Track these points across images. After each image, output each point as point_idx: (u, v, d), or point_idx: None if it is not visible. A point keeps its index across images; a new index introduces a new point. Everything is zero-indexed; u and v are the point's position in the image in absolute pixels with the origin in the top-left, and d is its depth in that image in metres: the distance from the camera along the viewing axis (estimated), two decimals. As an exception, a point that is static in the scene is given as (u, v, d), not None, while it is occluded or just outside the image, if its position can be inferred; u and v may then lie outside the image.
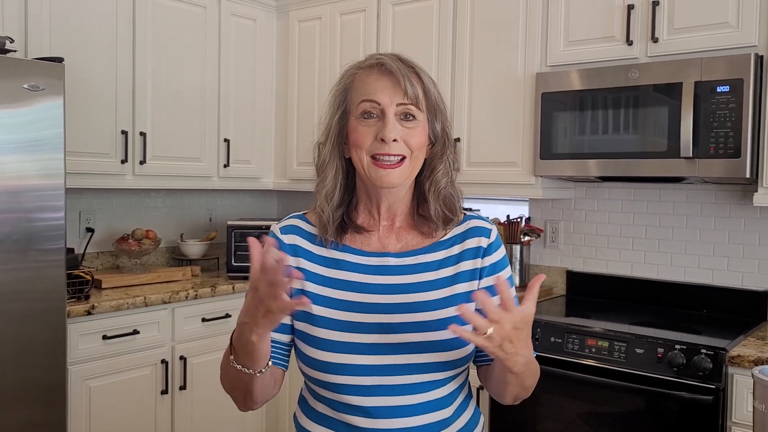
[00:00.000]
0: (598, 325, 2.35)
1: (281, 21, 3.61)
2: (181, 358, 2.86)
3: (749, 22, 2.24)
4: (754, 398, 1.12)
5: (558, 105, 2.58)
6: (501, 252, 1.24)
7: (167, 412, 2.83)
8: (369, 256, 1.20)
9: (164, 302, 2.80)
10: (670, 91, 2.31)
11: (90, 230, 3.21)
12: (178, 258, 3.51)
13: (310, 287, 1.18)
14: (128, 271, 3.11)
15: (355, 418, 1.15)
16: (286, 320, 1.20)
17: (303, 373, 1.21)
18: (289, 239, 1.21)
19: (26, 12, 2.60)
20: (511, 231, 3.01)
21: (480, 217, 1.26)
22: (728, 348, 2.07)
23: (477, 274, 1.20)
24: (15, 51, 2.39)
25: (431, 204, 1.21)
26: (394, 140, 1.13)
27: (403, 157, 1.15)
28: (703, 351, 2.06)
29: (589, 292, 2.93)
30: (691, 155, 2.26)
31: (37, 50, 2.59)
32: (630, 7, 2.46)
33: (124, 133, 2.94)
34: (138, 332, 2.71)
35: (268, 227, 3.22)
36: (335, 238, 1.20)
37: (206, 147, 3.31)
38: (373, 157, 1.15)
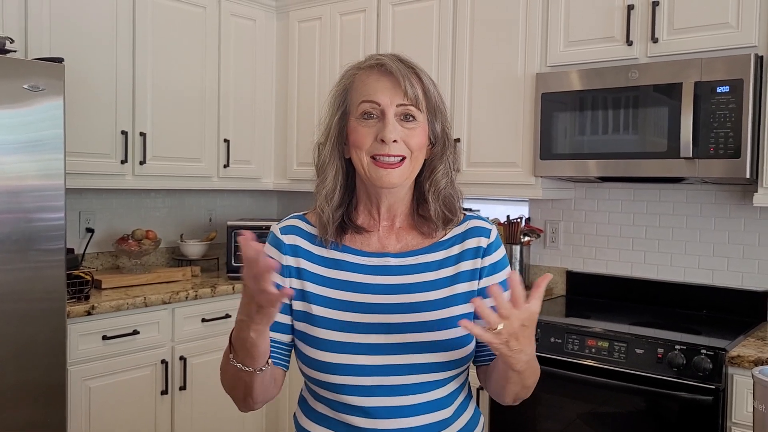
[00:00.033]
0: (598, 326, 2.35)
1: (281, 21, 3.61)
2: (181, 358, 2.86)
3: (749, 22, 2.24)
4: (754, 399, 1.12)
5: (558, 105, 2.58)
6: (501, 252, 1.24)
7: (167, 412, 2.83)
8: (369, 256, 1.20)
9: (164, 302, 2.80)
10: (670, 92, 2.32)
11: (90, 230, 3.21)
12: (178, 258, 3.51)
13: (310, 287, 1.18)
14: (128, 272, 3.11)
15: (355, 418, 1.15)
16: (286, 320, 1.20)
17: (303, 373, 1.21)
18: (289, 239, 1.22)
19: (26, 12, 2.60)
20: (511, 231, 3.01)
21: (480, 217, 1.26)
22: (728, 348, 2.07)
23: (477, 274, 1.20)
24: (15, 51, 2.39)
25: (431, 204, 1.21)
26: (394, 141, 1.13)
27: (403, 158, 1.15)
28: (703, 351, 2.06)
29: (589, 293, 2.93)
30: (691, 155, 2.26)
31: (37, 50, 2.59)
32: (630, 8, 2.46)
33: (124, 133, 2.94)
34: (138, 332, 2.71)
35: (268, 227, 3.23)
36: (335, 239, 1.20)
37: (206, 147, 3.31)
38: (373, 158, 1.15)
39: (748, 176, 2.20)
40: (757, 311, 2.54)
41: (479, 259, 1.21)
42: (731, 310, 2.59)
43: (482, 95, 2.87)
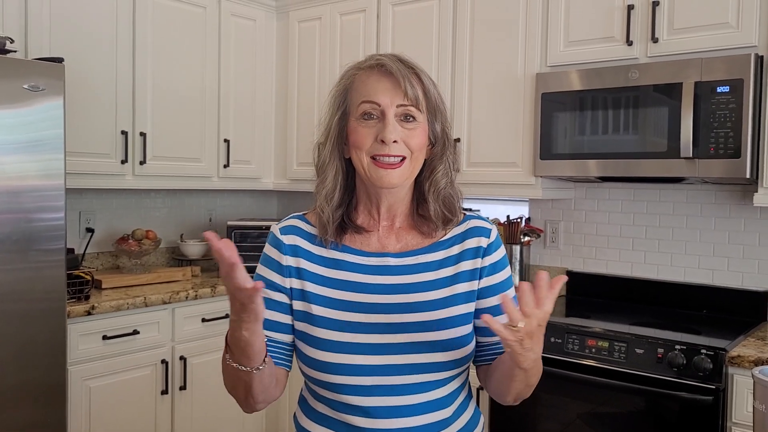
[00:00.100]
0: (598, 326, 2.35)
1: (281, 21, 3.61)
2: (181, 358, 2.86)
3: (749, 22, 2.24)
4: (754, 398, 1.12)
5: (558, 105, 2.58)
6: (501, 252, 1.24)
7: (167, 412, 2.83)
8: (369, 256, 1.20)
9: (164, 302, 2.80)
10: (670, 92, 2.32)
11: (90, 230, 3.21)
12: (178, 258, 3.51)
13: (310, 287, 1.18)
14: (128, 272, 3.11)
15: (355, 418, 1.15)
16: (287, 320, 1.20)
17: (303, 373, 1.21)
18: (288, 240, 1.22)
19: (26, 12, 2.60)
20: (511, 231, 3.01)
21: (480, 217, 1.27)
22: (728, 348, 2.07)
23: (477, 274, 1.20)
24: (15, 51, 2.39)
25: (431, 204, 1.21)
26: (395, 141, 1.13)
27: (403, 158, 1.15)
28: (703, 351, 2.06)
29: (589, 293, 2.93)
30: (691, 155, 2.26)
31: (37, 50, 2.59)
32: (630, 8, 2.46)
33: (124, 133, 2.94)
34: (138, 332, 2.71)
35: (268, 227, 3.23)
36: (335, 239, 1.20)
37: (206, 147, 3.31)
38: (373, 158, 1.15)
39: (748, 176, 2.20)
40: (757, 311, 2.54)
41: (479, 259, 1.21)
42: (731, 310, 2.59)
43: (482, 95, 2.87)
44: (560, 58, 2.64)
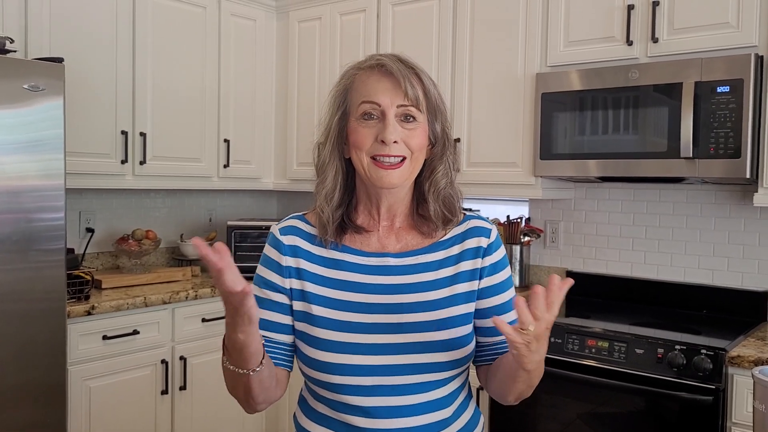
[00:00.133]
0: (598, 326, 2.35)
1: (281, 21, 3.61)
2: (181, 358, 2.86)
3: (749, 22, 2.24)
4: (754, 399, 1.12)
5: (558, 105, 2.58)
6: (501, 252, 1.24)
7: (167, 412, 2.83)
8: (369, 256, 1.20)
9: (164, 302, 2.80)
10: (670, 92, 2.31)
11: (90, 230, 3.21)
12: (178, 258, 3.51)
13: (310, 288, 1.18)
14: (128, 272, 3.11)
15: (355, 418, 1.15)
16: (287, 321, 1.20)
17: (303, 373, 1.21)
18: (288, 240, 1.21)
19: (26, 12, 2.60)
20: (511, 231, 3.01)
21: (480, 217, 1.26)
22: (728, 348, 2.06)
23: (477, 274, 1.20)
24: (15, 51, 2.39)
25: (431, 204, 1.21)
26: (395, 142, 1.13)
27: (404, 158, 1.15)
28: (703, 351, 2.06)
29: (589, 293, 2.93)
30: (691, 155, 2.26)
31: (37, 50, 2.59)
32: (630, 8, 2.46)
33: (124, 133, 2.94)
34: (138, 332, 2.71)
35: (268, 227, 3.23)
36: (335, 239, 1.20)
37: (206, 147, 3.31)
38: (374, 158, 1.15)
39: (748, 176, 2.20)
40: (757, 311, 2.54)
41: (479, 259, 1.21)
42: (731, 310, 2.59)
43: (482, 95, 2.87)
44: (560, 58, 2.64)
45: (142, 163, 3.01)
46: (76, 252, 3.05)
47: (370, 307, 1.16)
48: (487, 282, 1.21)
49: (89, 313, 2.55)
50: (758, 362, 1.98)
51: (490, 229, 1.24)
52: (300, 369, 1.21)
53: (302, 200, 3.90)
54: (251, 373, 1.08)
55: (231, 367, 1.08)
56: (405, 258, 1.20)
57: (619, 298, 2.85)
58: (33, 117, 2.30)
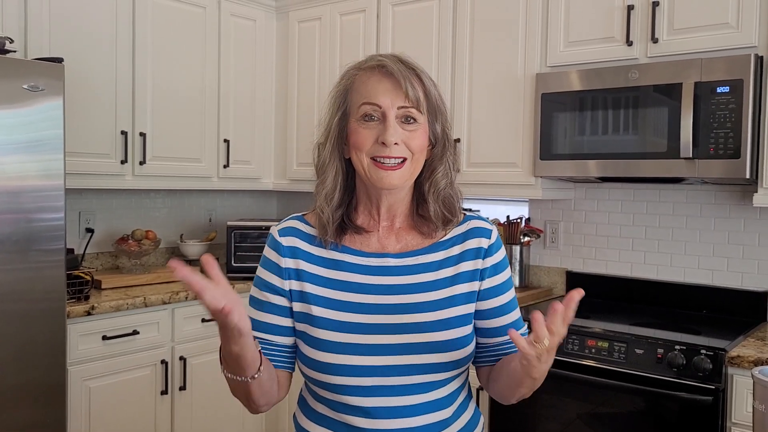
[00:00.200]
0: (597, 326, 2.35)
1: (281, 21, 3.61)
2: (181, 358, 2.85)
3: (749, 22, 2.24)
4: (753, 399, 1.12)
5: (558, 105, 2.58)
6: (501, 253, 1.24)
7: (167, 412, 2.83)
8: (368, 256, 1.20)
9: (164, 303, 2.80)
10: (670, 92, 2.32)
11: (90, 231, 3.21)
12: (177, 258, 3.50)
13: (309, 288, 1.18)
14: (128, 272, 3.11)
15: (355, 418, 1.15)
16: (287, 323, 1.20)
17: (303, 373, 1.21)
18: (287, 241, 1.21)
19: (26, 12, 2.60)
20: (510, 231, 3.01)
21: (480, 218, 1.26)
22: (728, 348, 2.07)
23: (477, 275, 1.20)
24: (15, 51, 2.39)
25: (431, 205, 1.21)
26: (395, 143, 1.13)
27: (404, 159, 1.15)
28: (703, 351, 2.06)
29: (588, 293, 2.87)
30: (690, 156, 2.26)
31: (36, 50, 2.59)
32: (630, 8, 2.46)
33: (124, 133, 2.94)
34: (138, 333, 2.71)
35: (267, 228, 3.23)
36: (334, 239, 1.20)
37: (206, 147, 3.31)
38: (374, 159, 1.15)
39: (747, 176, 2.20)
40: (757, 311, 2.54)
41: (480, 260, 1.21)
42: (731, 311, 2.59)
43: (482, 95, 2.87)
44: (560, 59, 2.64)
45: (141, 163, 3.01)
46: (75, 252, 3.05)
47: (370, 307, 1.16)
48: (488, 283, 1.21)
49: (89, 314, 2.55)
50: (758, 362, 1.98)
51: (491, 230, 1.24)
52: (300, 369, 1.21)
53: (302, 200, 3.90)
54: (250, 380, 1.09)
55: (229, 375, 1.10)
56: (405, 258, 1.20)
57: (618, 298, 2.85)
58: (33, 117, 2.30)
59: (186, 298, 2.87)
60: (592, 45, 2.56)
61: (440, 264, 1.20)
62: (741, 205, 2.59)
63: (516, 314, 1.25)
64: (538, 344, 0.98)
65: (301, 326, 1.19)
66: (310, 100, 3.46)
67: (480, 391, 2.39)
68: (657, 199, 2.78)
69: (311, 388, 1.22)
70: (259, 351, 1.10)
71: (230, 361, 1.07)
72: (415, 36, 3.05)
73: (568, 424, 2.30)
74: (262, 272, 1.22)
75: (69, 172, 2.49)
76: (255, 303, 1.23)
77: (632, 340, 2.20)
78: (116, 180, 2.96)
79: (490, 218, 3.04)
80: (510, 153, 2.78)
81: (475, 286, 1.20)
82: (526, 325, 1.30)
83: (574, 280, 2.97)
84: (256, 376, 1.09)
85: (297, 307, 1.19)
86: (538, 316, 0.98)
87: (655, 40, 2.41)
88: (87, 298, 2.63)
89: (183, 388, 2.86)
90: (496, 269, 1.22)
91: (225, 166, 3.39)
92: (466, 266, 1.20)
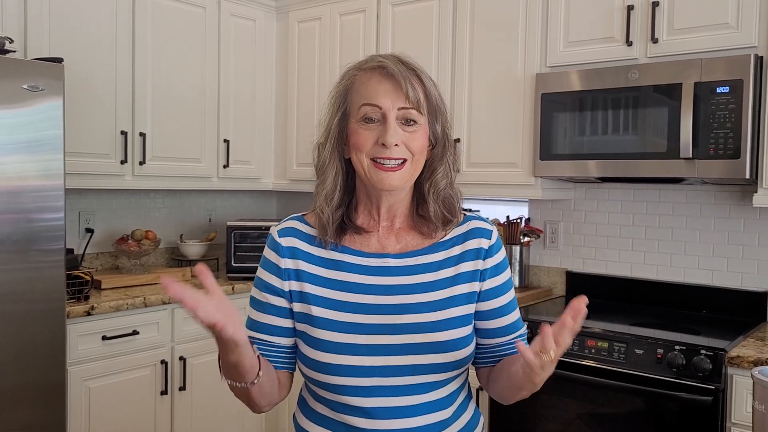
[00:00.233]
0: (597, 326, 2.35)
1: (281, 21, 3.61)
2: (181, 358, 2.85)
3: (749, 22, 2.24)
4: (753, 399, 1.13)
5: (558, 106, 2.58)
6: (502, 253, 1.24)
7: (167, 412, 2.83)
8: (368, 257, 1.20)
9: (164, 303, 2.80)
10: (670, 92, 2.32)
11: (89, 231, 3.21)
12: (177, 259, 3.51)
13: (309, 289, 1.18)
14: (128, 272, 3.11)
15: (354, 418, 1.15)
16: (288, 324, 1.20)
17: (303, 374, 1.21)
18: (286, 242, 1.21)
19: (26, 12, 2.59)
20: (510, 232, 3.01)
21: (480, 218, 1.26)
22: (728, 349, 2.07)
23: (478, 275, 1.20)
24: (14, 51, 2.39)
25: (430, 205, 1.21)
26: (396, 145, 1.13)
27: (404, 160, 1.15)
28: (703, 352, 2.06)
29: (588, 293, 2.88)
30: (690, 156, 2.26)
31: (36, 50, 2.59)
32: (630, 8, 2.46)
33: (124, 133, 2.94)
34: (137, 333, 2.70)
35: (267, 228, 3.23)
36: (334, 239, 1.20)
37: (206, 147, 3.31)
38: (374, 160, 1.15)
39: (747, 177, 2.20)
40: (757, 312, 2.54)
41: (481, 261, 1.21)
42: (731, 311, 2.59)
43: (482, 95, 2.87)
44: (560, 59, 2.64)
45: (141, 163, 3.01)
46: (75, 252, 3.05)
47: (369, 307, 1.16)
48: (489, 284, 1.21)
49: (89, 314, 2.55)
50: (758, 362, 1.98)
51: (491, 231, 1.24)
52: (300, 369, 1.21)
53: (302, 200, 3.90)
54: (249, 386, 1.11)
55: (229, 381, 1.11)
56: (405, 259, 1.20)
57: (618, 298, 2.85)
58: (32, 117, 2.30)
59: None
60: (592, 45, 2.56)
61: (440, 264, 1.20)
62: (741, 206, 2.59)
63: (516, 315, 1.25)
64: (544, 355, 0.98)
65: (301, 326, 1.19)
66: (310, 100, 3.46)
67: (480, 392, 2.39)
68: (657, 199, 2.78)
69: (311, 389, 1.22)
70: (258, 356, 1.11)
71: (229, 368, 1.09)
72: (415, 36, 3.05)
73: (568, 424, 2.30)
74: (262, 273, 1.22)
75: (69, 172, 2.49)
76: (255, 304, 1.23)
77: (632, 341, 2.20)
78: (116, 180, 2.96)
79: (490, 218, 3.04)
80: (510, 153, 2.78)
81: (475, 286, 1.20)
82: (525, 326, 1.30)
83: (574, 280, 2.97)
84: (255, 381, 1.11)
85: (297, 307, 1.19)
86: (547, 329, 0.98)
87: (655, 40, 2.41)
88: (87, 298, 2.63)
89: (183, 388, 2.86)
90: (497, 270, 1.22)
91: (225, 166, 3.39)
92: (467, 267, 1.20)
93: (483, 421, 1.31)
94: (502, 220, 3.07)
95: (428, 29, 3.01)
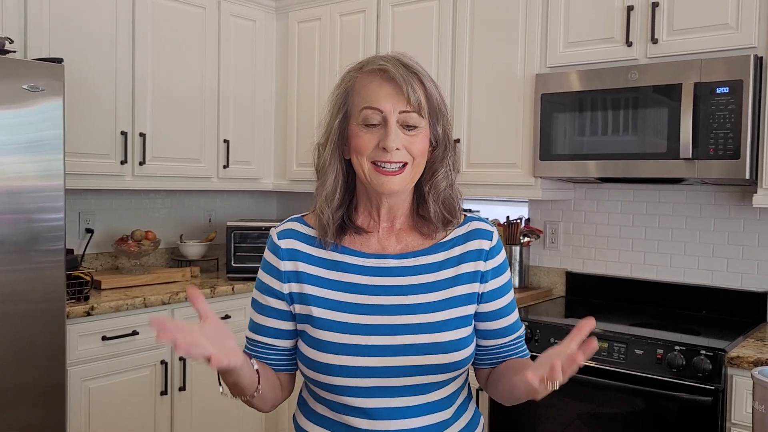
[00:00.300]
0: (597, 326, 2.35)
1: (281, 22, 3.61)
2: (181, 359, 2.85)
3: (749, 23, 2.24)
4: (753, 399, 1.13)
5: (558, 106, 2.58)
6: (502, 255, 1.25)
7: (167, 413, 2.83)
8: (369, 257, 1.20)
9: (164, 303, 2.80)
10: (670, 93, 2.32)
11: (89, 231, 3.21)
12: (177, 259, 3.51)
13: (309, 290, 1.18)
14: (127, 272, 3.11)
15: (354, 419, 1.15)
16: (288, 326, 1.20)
17: (303, 374, 1.21)
18: (286, 244, 1.21)
19: (26, 12, 2.59)
20: (510, 232, 3.01)
21: (481, 219, 1.26)
22: (727, 349, 2.07)
23: (479, 276, 1.20)
24: (14, 51, 2.39)
25: (431, 206, 1.21)
26: (397, 149, 1.13)
27: (405, 164, 1.15)
28: (703, 352, 2.07)
29: (588, 293, 2.93)
30: (690, 156, 2.26)
31: (36, 51, 2.59)
32: (629, 9, 2.46)
33: (124, 133, 2.94)
34: (137, 333, 2.70)
35: (267, 228, 3.23)
36: (335, 240, 1.20)
37: (206, 148, 3.31)
38: (374, 163, 1.14)
39: (747, 177, 2.20)
40: (757, 312, 2.54)
41: (482, 262, 1.21)
42: (731, 311, 2.59)
43: (482, 96, 2.87)
44: (560, 59, 2.64)
45: (141, 163, 3.01)
46: (75, 253, 3.05)
47: (369, 308, 1.16)
48: (490, 286, 1.21)
49: (89, 314, 2.55)
50: (758, 363, 1.99)
51: (492, 232, 1.24)
52: (300, 370, 1.21)
53: (302, 201, 3.90)
54: (250, 398, 1.14)
55: (230, 395, 1.14)
56: (405, 259, 1.20)
57: (618, 298, 2.85)
58: (32, 117, 2.30)
59: (185, 298, 2.87)
60: (592, 45, 2.56)
61: (440, 265, 1.20)
62: (741, 206, 2.59)
63: (515, 316, 1.26)
64: (550, 383, 0.97)
65: (301, 326, 1.19)
66: (310, 101, 3.46)
67: (480, 392, 2.39)
68: (657, 199, 2.78)
69: (311, 389, 1.22)
70: (257, 370, 1.14)
71: (228, 384, 1.12)
72: (415, 36, 3.05)
73: (568, 424, 2.30)
74: (262, 275, 1.23)
75: (69, 172, 2.49)
76: (256, 306, 1.23)
77: (632, 341, 2.20)
78: (116, 180, 2.96)
79: (490, 219, 3.05)
80: (510, 153, 2.78)
81: (475, 287, 1.20)
82: (523, 327, 1.30)
83: (573, 280, 2.97)
84: (255, 395, 1.14)
85: (297, 309, 1.19)
86: (557, 365, 0.95)
87: (654, 41, 2.41)
88: (87, 298, 2.63)
89: (183, 388, 2.86)
90: (498, 271, 1.22)
91: (225, 167, 3.39)
92: (467, 267, 1.20)
93: (483, 421, 1.31)
94: (502, 220, 3.07)
95: (428, 29, 3.01)
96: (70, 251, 2.86)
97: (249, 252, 3.27)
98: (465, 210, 1.30)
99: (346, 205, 1.22)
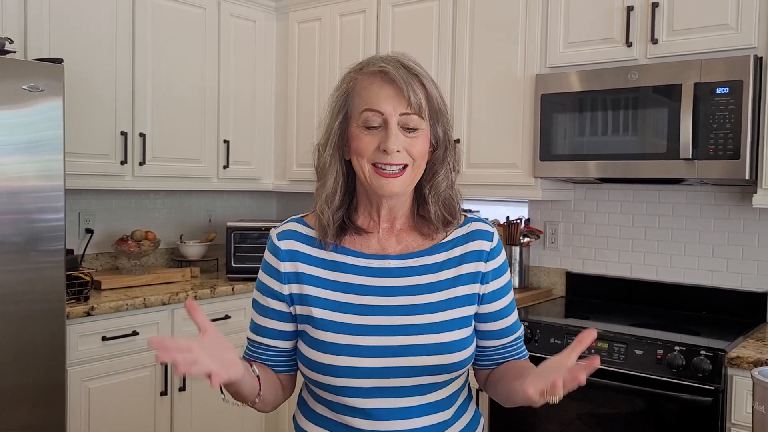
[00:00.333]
0: (597, 327, 2.35)
1: (281, 22, 3.61)
2: (181, 359, 2.85)
3: (749, 23, 2.24)
4: (753, 399, 1.13)
5: (558, 106, 2.58)
6: (503, 256, 1.25)
7: (167, 413, 2.83)
8: (369, 258, 1.20)
9: (164, 303, 2.80)
10: (670, 93, 2.32)
11: (89, 231, 3.21)
12: (177, 259, 3.51)
13: (309, 290, 1.18)
14: (127, 273, 3.11)
15: (354, 419, 1.15)
16: (288, 327, 1.20)
17: (303, 374, 1.21)
18: (285, 245, 1.21)
19: (26, 12, 2.59)
20: (510, 232, 3.01)
21: (481, 220, 1.26)
22: (727, 349, 2.07)
23: (479, 277, 1.20)
24: (14, 52, 2.39)
25: (431, 207, 1.21)
26: (397, 151, 1.13)
27: (405, 166, 1.15)
28: (703, 352, 2.07)
29: (588, 294, 2.93)
30: (690, 157, 2.26)
31: (36, 51, 2.59)
32: (629, 9, 2.46)
33: (124, 134, 2.94)
34: (137, 333, 2.70)
35: (267, 228, 3.23)
36: (335, 240, 1.20)
37: (206, 148, 3.31)
38: (375, 165, 1.14)
39: (747, 177, 2.20)
40: (757, 312, 2.54)
41: (482, 263, 1.21)
42: (731, 311, 2.59)
43: (482, 96, 2.87)
44: (560, 59, 2.64)
45: (141, 163, 3.01)
46: (75, 253, 3.05)
47: (370, 309, 1.16)
48: (491, 287, 1.21)
49: (89, 314, 2.55)
50: (757, 363, 1.99)
51: (492, 233, 1.24)
52: (300, 370, 1.21)
53: (302, 201, 3.90)
54: (251, 404, 1.15)
55: (232, 402, 1.15)
56: (405, 260, 1.19)
57: (618, 299, 2.85)
58: (32, 118, 2.30)
59: (185, 298, 2.87)
60: (592, 46, 2.56)
61: (441, 266, 1.20)
62: (740, 206, 2.59)
63: (514, 316, 1.26)
64: (551, 397, 0.97)
65: (302, 327, 1.19)
66: (310, 101, 3.46)
67: (480, 392, 2.39)
68: (656, 199, 2.78)
69: (311, 389, 1.22)
70: (258, 376, 1.14)
71: (230, 392, 1.12)
72: (415, 37, 3.05)
73: (568, 424, 2.30)
74: (262, 276, 1.23)
75: (69, 172, 2.49)
76: (257, 307, 1.23)
77: (632, 341, 2.20)
78: (116, 181, 2.96)
79: (490, 219, 3.05)
80: (510, 154, 2.78)
81: (476, 288, 1.20)
82: (522, 327, 1.30)
83: (573, 280, 2.97)
84: (257, 400, 1.15)
85: (298, 309, 1.19)
86: (558, 383, 0.95)
87: (654, 41, 2.41)
88: (87, 298, 2.63)
89: (182, 389, 2.86)
90: (498, 272, 1.22)
91: (225, 167, 3.39)
92: (468, 268, 1.20)
93: (483, 421, 1.31)
94: (502, 220, 3.07)
95: (428, 30, 3.01)
96: (70, 251, 2.86)
97: (249, 252, 3.27)
98: (465, 210, 1.30)
99: (346, 205, 1.22)
